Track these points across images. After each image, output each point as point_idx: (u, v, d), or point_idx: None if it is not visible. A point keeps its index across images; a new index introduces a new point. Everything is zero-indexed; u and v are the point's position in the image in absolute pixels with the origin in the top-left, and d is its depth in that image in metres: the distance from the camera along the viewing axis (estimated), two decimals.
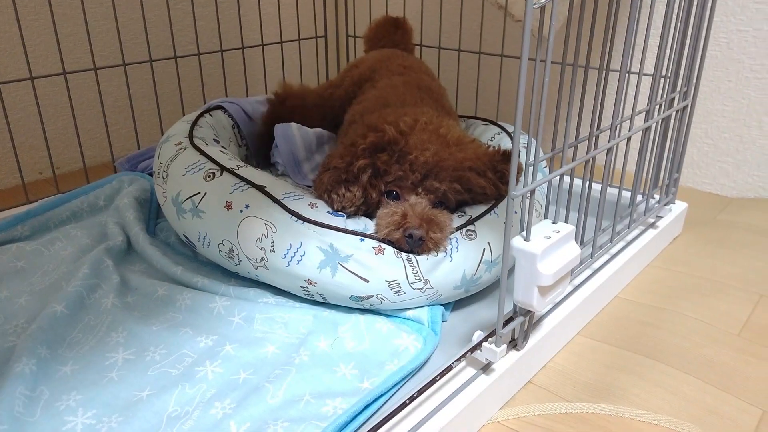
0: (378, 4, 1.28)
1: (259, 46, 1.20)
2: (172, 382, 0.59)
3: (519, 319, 0.57)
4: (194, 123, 0.89)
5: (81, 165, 1.08)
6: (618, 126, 0.66)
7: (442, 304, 0.71)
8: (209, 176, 0.74)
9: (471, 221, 0.70)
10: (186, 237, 0.75)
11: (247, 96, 1.19)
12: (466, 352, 0.55)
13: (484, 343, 0.56)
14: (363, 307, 0.68)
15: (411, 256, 0.66)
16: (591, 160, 0.64)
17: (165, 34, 1.13)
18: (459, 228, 0.70)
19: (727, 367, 0.66)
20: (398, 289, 0.65)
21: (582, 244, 0.71)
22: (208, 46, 1.24)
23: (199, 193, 0.73)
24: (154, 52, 1.07)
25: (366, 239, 0.66)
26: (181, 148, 0.81)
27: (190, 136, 0.84)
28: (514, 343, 0.60)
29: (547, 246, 0.53)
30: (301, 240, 0.66)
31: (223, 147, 0.87)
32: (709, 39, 0.82)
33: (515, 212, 0.68)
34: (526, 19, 0.47)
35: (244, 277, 0.74)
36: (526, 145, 0.87)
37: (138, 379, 0.59)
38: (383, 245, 0.66)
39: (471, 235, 0.69)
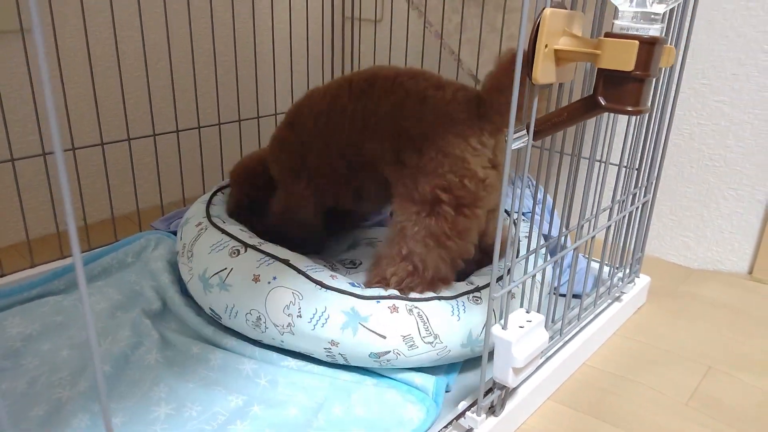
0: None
1: (273, 115, 1.33)
2: None
3: (497, 392, 0.69)
4: (209, 202, 1.01)
5: (102, 217, 1.19)
6: (582, 225, 0.79)
7: (447, 374, 0.82)
8: (234, 253, 0.86)
9: (478, 289, 0.83)
10: (212, 310, 0.86)
11: None
12: (452, 420, 0.66)
13: (467, 413, 0.67)
14: (380, 364, 0.78)
15: (422, 312, 0.77)
16: (560, 258, 0.76)
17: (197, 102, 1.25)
18: (467, 293, 0.81)
19: None
20: (412, 343, 0.76)
21: (553, 321, 0.83)
22: (226, 116, 1.36)
23: (226, 268, 0.84)
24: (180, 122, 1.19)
25: (382, 300, 0.78)
26: (202, 229, 0.92)
27: (208, 216, 0.95)
28: (492, 410, 0.71)
29: (521, 335, 0.65)
30: (325, 305, 0.77)
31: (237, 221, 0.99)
32: (671, 131, 0.95)
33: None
34: (506, 157, 0.59)
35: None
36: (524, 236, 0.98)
37: None
38: (397, 304, 0.77)
39: (477, 300, 0.81)
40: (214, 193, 1.06)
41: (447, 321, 0.77)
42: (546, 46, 0.53)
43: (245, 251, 0.85)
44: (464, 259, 0.92)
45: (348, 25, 1.52)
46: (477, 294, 0.82)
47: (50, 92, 0.29)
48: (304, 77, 1.41)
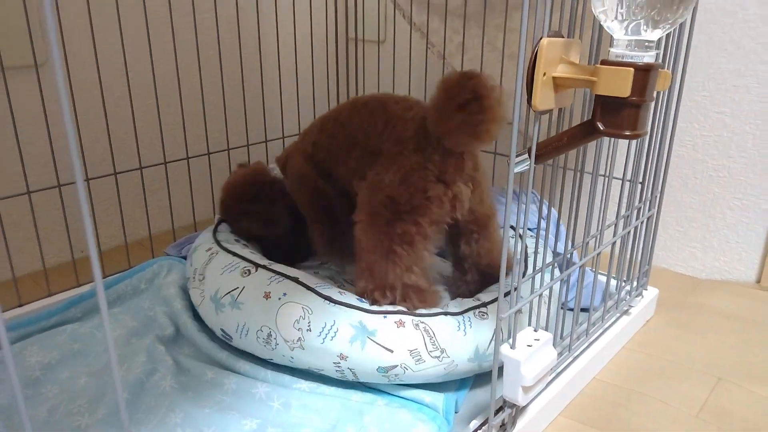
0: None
1: (281, 138, 1.36)
2: None
3: (508, 410, 0.70)
4: (215, 230, 1.04)
5: (115, 243, 1.21)
6: (587, 243, 0.80)
7: (457, 390, 0.83)
8: (245, 273, 0.88)
9: (484, 304, 0.84)
10: (223, 330, 0.88)
11: None
12: None
13: (479, 431, 0.68)
14: (389, 379, 0.79)
15: (428, 327, 0.78)
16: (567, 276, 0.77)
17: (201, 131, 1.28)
18: (473, 308, 0.83)
19: None
20: (419, 357, 0.77)
21: (562, 337, 0.84)
22: (234, 141, 1.39)
23: (238, 288, 0.86)
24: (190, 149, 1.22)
25: (388, 315, 0.79)
26: (213, 253, 0.94)
27: (217, 242, 0.98)
28: (504, 428, 0.72)
29: (529, 354, 0.66)
30: (334, 319, 0.79)
31: (245, 245, 1.01)
32: (674, 142, 0.96)
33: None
34: (509, 179, 0.61)
35: (279, 364, 0.85)
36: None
37: None
38: (403, 319, 0.79)
39: (483, 315, 0.82)
40: (219, 222, 1.09)
41: (453, 336, 0.79)
42: (544, 74, 0.55)
43: (256, 270, 0.87)
44: (467, 280, 0.93)
45: (352, 46, 1.55)
46: (483, 309, 0.83)
47: (71, 125, 0.30)
48: (310, 100, 1.43)
